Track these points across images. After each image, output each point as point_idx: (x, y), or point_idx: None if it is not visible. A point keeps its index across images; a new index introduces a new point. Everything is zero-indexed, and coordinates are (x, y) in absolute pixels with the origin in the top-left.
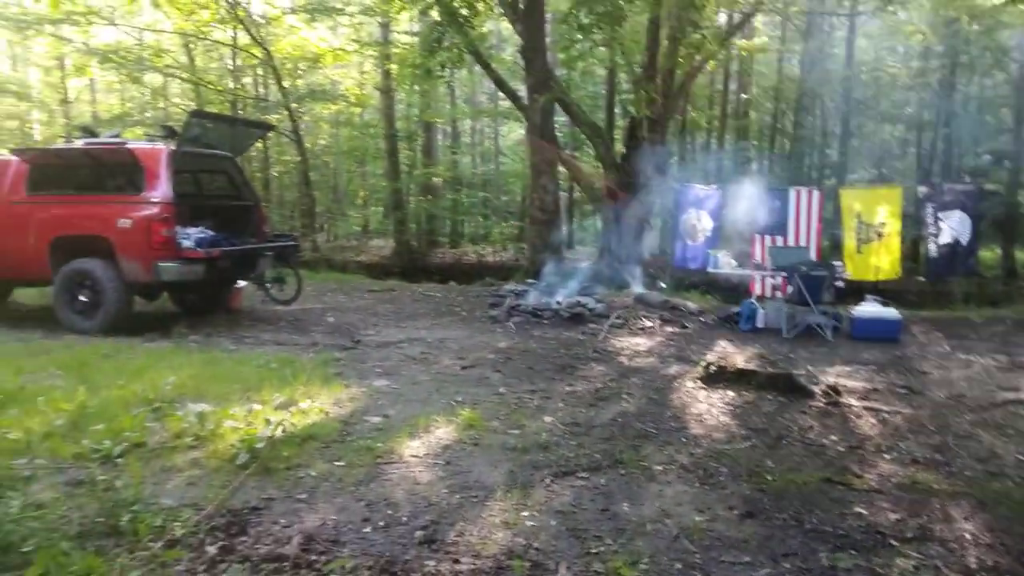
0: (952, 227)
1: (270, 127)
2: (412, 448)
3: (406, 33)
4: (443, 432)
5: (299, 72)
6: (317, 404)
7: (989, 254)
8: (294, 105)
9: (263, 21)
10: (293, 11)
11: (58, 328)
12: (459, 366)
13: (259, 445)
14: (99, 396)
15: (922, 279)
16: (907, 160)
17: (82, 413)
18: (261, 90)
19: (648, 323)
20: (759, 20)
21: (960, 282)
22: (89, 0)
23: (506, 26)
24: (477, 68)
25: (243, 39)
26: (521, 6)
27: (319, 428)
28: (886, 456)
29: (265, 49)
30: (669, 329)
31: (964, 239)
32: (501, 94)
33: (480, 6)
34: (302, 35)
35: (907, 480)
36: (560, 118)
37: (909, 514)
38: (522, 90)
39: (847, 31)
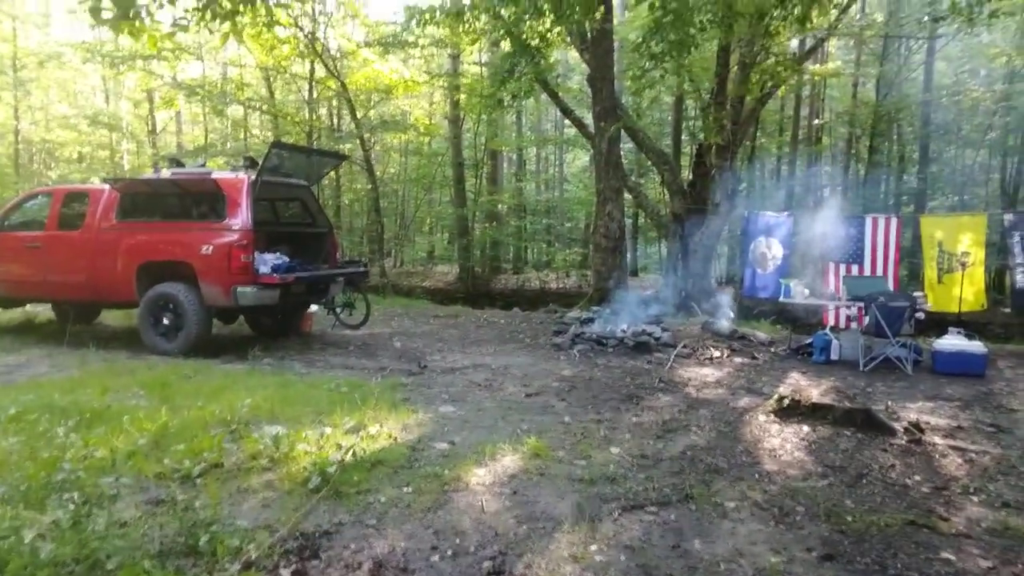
0: None
1: (343, 157)
2: (478, 476)
3: (475, 64)
4: (509, 461)
5: (371, 103)
6: (385, 429)
7: None
8: (366, 135)
9: (339, 55)
10: (367, 44)
11: (142, 349)
12: (524, 393)
13: (330, 469)
14: (179, 416)
15: (1008, 311)
16: (991, 187)
17: (164, 433)
18: (336, 120)
19: (716, 353)
20: (832, 44)
21: None
22: (178, 37)
23: (573, 55)
24: (543, 97)
25: (320, 72)
26: (590, 36)
27: (388, 453)
28: (974, 498)
29: (340, 81)
30: (738, 360)
31: None
32: (566, 122)
33: (551, 36)
34: (375, 67)
35: (998, 525)
36: (626, 144)
37: (1001, 562)
38: (588, 118)
39: (925, 54)
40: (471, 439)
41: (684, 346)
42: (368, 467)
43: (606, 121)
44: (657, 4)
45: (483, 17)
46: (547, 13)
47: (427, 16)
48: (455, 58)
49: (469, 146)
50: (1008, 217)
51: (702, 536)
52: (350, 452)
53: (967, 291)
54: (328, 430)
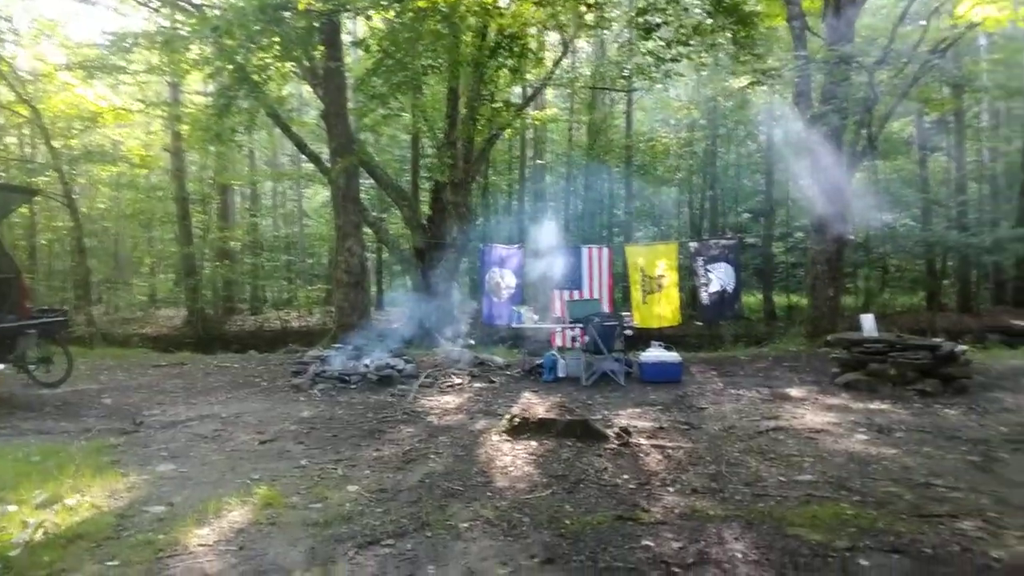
0: (719, 277)
1: (33, 191)
2: (200, 537)
3: (198, 93)
4: (237, 515)
5: (73, 131)
6: (88, 498)
7: (752, 299)
8: (66, 167)
9: (31, 78)
10: (67, 68)
11: None
12: (257, 441)
13: (13, 552)
14: None
15: (698, 324)
16: (682, 219)
17: None
18: (28, 150)
19: (458, 380)
20: (550, 93)
21: (729, 325)
22: None
23: (308, 89)
24: (278, 130)
25: (6, 95)
26: (321, 72)
27: (89, 525)
28: (670, 489)
29: (32, 107)
30: (478, 385)
31: (730, 287)
32: (304, 157)
33: (274, 70)
34: (77, 92)
35: (688, 509)
36: (367, 181)
37: (689, 541)
38: (326, 153)
39: (626, 105)
40: (193, 497)
41: (427, 376)
42: (64, 544)
43: (342, 157)
44: (376, 47)
45: (199, 45)
46: (268, 47)
47: (137, 41)
48: (175, 86)
49: (195, 180)
50: (693, 245)
51: (437, 561)
52: (40, 529)
53: (665, 308)
54: (12, 508)
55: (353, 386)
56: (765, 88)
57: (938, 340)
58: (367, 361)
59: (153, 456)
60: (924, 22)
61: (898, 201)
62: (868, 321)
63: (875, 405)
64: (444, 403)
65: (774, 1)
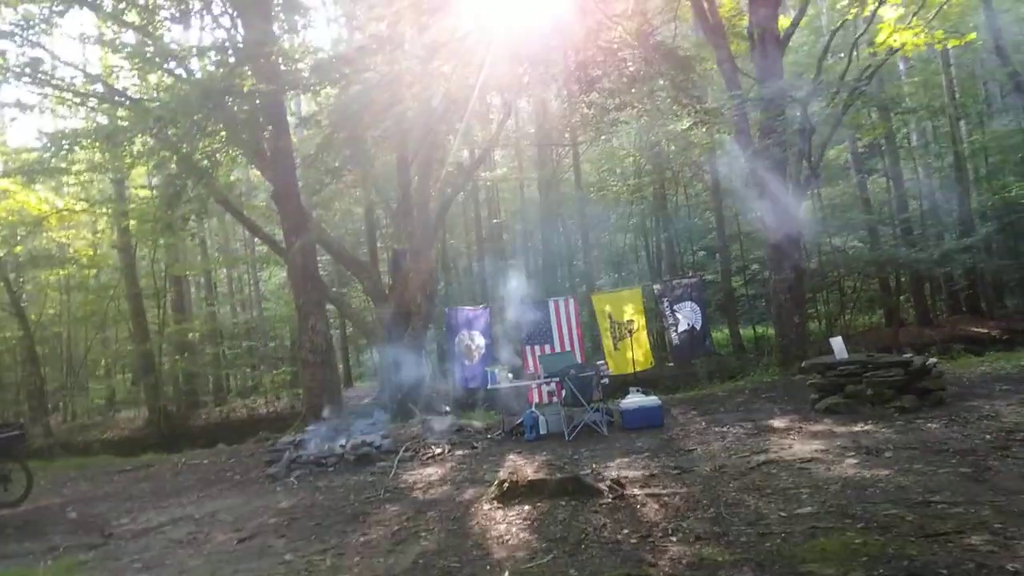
0: (686, 316)
1: None
2: None
3: (143, 187)
4: None
5: (17, 237)
6: None
7: (720, 334)
8: (12, 275)
9: None
10: (6, 175)
11: None
12: (236, 540)
13: None
14: None
15: (672, 364)
16: (641, 263)
17: None
18: None
19: (438, 450)
20: (498, 154)
21: (702, 362)
22: None
23: (256, 173)
24: (229, 216)
25: None
26: (269, 153)
27: None
28: (673, 538)
29: None
30: (460, 452)
31: (698, 324)
32: (258, 239)
33: (222, 156)
34: (18, 198)
35: (695, 559)
36: (324, 256)
37: None
38: (279, 233)
39: (572, 159)
40: None
41: (406, 449)
42: None
43: (297, 236)
44: (325, 121)
45: (142, 138)
46: (214, 134)
47: (75, 140)
48: (119, 182)
49: (147, 274)
50: (656, 287)
51: None
52: None
53: (637, 353)
54: None
55: (331, 469)
56: (706, 129)
57: (908, 356)
58: (342, 441)
59: (126, 569)
60: (843, 55)
61: (845, 224)
62: (838, 344)
63: (859, 427)
64: (427, 476)
65: (704, 46)
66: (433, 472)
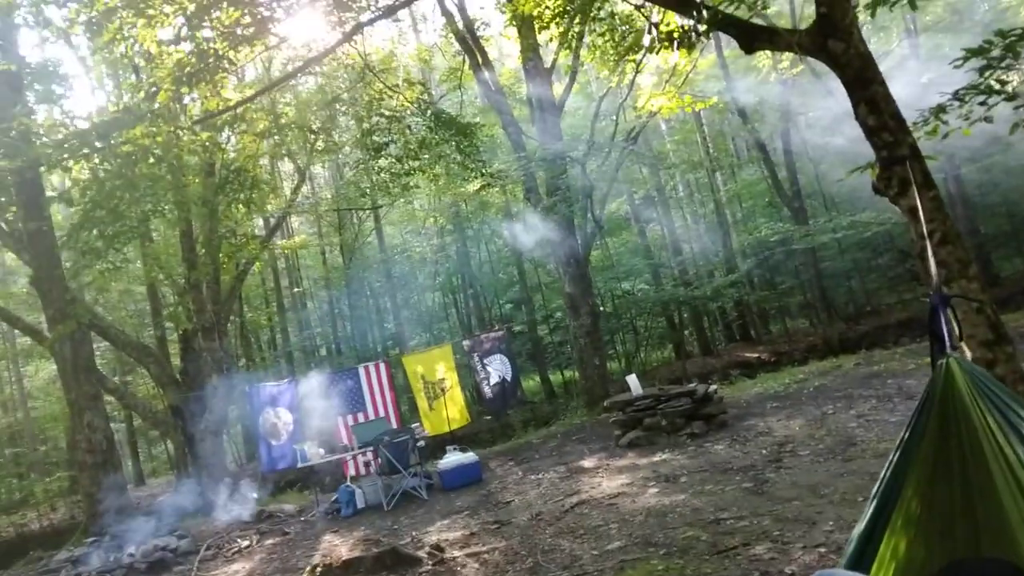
0: (496, 368)
1: None
2: None
3: None
4: None
5: None
6: None
7: (531, 382)
8: None
9: None
10: None
11: None
12: None
13: None
14: None
15: (487, 418)
16: (451, 320)
17: None
18: None
19: (245, 543)
20: (296, 220)
21: (516, 412)
22: None
23: (13, 257)
24: None
25: None
26: (26, 235)
27: None
28: None
29: None
30: (270, 541)
31: (508, 376)
32: (17, 331)
33: None
34: None
35: None
36: (101, 344)
37: None
38: (43, 321)
39: (373, 221)
40: None
41: (208, 547)
42: None
43: (63, 324)
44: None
45: None
46: None
47: None
48: None
49: None
50: (466, 343)
51: None
52: None
53: (453, 411)
54: None
55: None
56: (498, 188)
57: (692, 385)
58: (131, 549)
59: None
60: (614, 117)
61: (631, 270)
62: (633, 381)
63: (657, 457)
64: (233, 573)
65: (490, 111)
66: (239, 568)
